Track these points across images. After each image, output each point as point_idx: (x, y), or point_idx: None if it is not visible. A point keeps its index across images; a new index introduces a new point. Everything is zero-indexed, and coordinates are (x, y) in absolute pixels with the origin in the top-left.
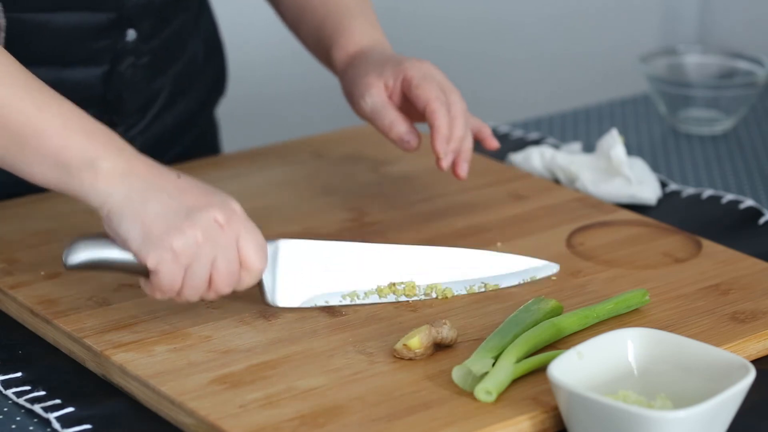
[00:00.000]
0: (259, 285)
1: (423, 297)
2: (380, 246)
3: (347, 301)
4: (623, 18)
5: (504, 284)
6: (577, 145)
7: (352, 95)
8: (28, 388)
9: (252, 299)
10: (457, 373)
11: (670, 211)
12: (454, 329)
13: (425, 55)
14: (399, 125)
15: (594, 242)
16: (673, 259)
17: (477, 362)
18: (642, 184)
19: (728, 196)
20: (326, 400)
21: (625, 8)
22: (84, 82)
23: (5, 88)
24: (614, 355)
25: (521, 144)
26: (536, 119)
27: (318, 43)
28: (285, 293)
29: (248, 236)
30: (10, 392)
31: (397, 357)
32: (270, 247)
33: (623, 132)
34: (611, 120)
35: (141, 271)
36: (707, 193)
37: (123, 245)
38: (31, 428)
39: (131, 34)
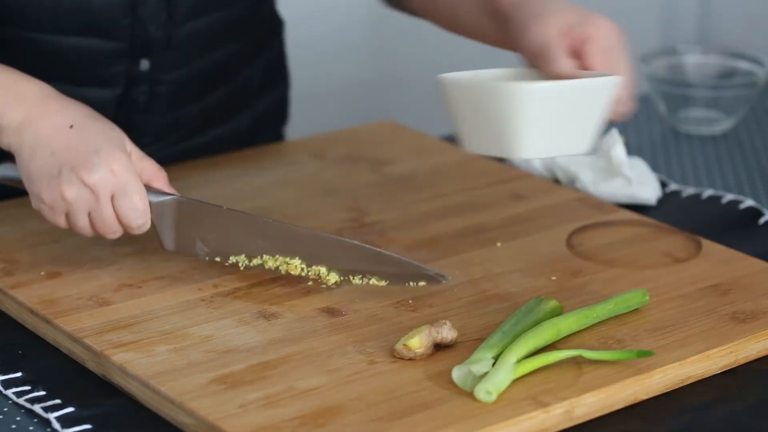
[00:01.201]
0: (155, 230)
1: (303, 273)
2: (267, 220)
3: (232, 261)
4: (623, 18)
5: (390, 283)
6: None
7: (520, 34)
8: (28, 388)
9: (252, 299)
10: (457, 373)
11: (670, 211)
12: (454, 329)
13: (425, 55)
14: (564, 63)
15: (594, 242)
16: (673, 259)
17: (477, 362)
18: (642, 184)
19: (728, 196)
20: (326, 400)
21: (625, 8)
22: (98, 101)
23: None
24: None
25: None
26: None
27: (480, 6)
28: (178, 243)
29: (123, 198)
30: (10, 392)
31: (397, 357)
32: (162, 200)
33: (623, 132)
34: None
35: None
36: (707, 193)
37: None
38: (31, 428)
39: (144, 64)
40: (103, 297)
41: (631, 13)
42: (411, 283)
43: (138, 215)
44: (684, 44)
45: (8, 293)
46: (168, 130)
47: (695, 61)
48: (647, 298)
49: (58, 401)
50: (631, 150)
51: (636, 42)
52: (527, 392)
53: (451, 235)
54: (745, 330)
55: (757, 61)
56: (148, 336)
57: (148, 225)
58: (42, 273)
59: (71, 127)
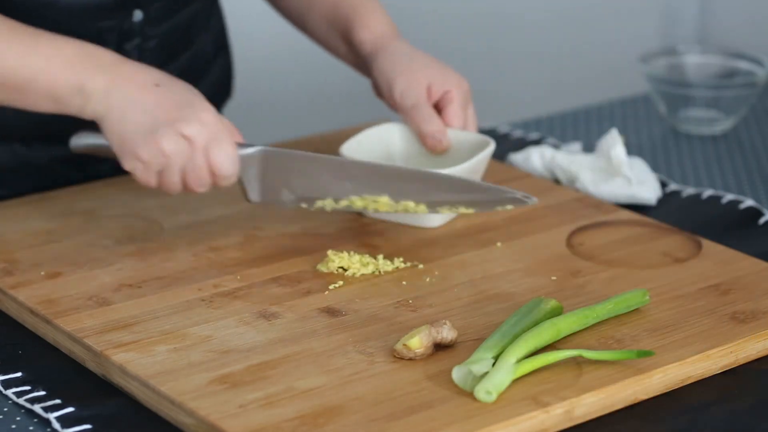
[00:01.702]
0: (240, 183)
1: (392, 210)
2: (359, 161)
3: (319, 206)
4: (623, 18)
5: (479, 209)
6: (577, 145)
7: (391, 88)
8: (28, 388)
9: (252, 299)
10: (457, 373)
11: (670, 211)
12: (454, 329)
13: (425, 50)
14: (436, 123)
15: (594, 242)
16: (673, 259)
17: (477, 362)
18: (642, 184)
19: (728, 196)
20: (326, 400)
21: (625, 8)
22: None
23: None
24: (383, 144)
25: (521, 144)
26: (536, 119)
27: (332, 25)
28: (264, 193)
29: (216, 146)
30: (10, 392)
31: (397, 357)
32: (250, 152)
33: (623, 132)
34: (611, 120)
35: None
36: (707, 193)
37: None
38: (31, 428)
39: (138, 15)
40: (103, 297)
41: (631, 13)
42: (498, 208)
43: (231, 162)
44: (684, 44)
45: (8, 293)
46: None
47: (695, 61)
48: (647, 298)
49: (58, 401)
50: (631, 150)
51: (636, 42)
52: (527, 392)
53: (451, 235)
54: (745, 330)
55: (757, 61)
56: (148, 336)
57: (236, 175)
58: (42, 273)
59: (157, 85)
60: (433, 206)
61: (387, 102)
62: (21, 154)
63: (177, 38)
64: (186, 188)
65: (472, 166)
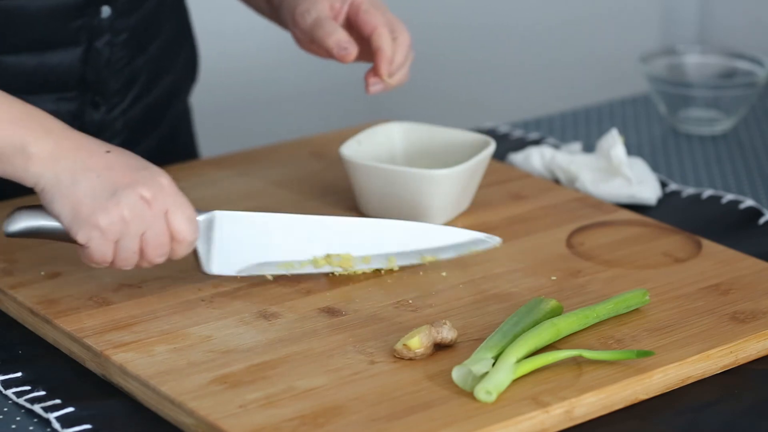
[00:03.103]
0: (194, 254)
1: (359, 268)
2: (316, 218)
3: (283, 271)
4: (623, 18)
5: (442, 256)
6: (577, 145)
7: (294, 15)
8: (28, 388)
9: (252, 299)
10: (457, 373)
11: (670, 211)
12: (454, 329)
13: (426, 53)
14: (339, 33)
15: (594, 242)
16: (673, 259)
17: (477, 362)
18: (642, 184)
19: (728, 196)
20: (326, 400)
21: (625, 9)
22: (64, 64)
23: None
24: (384, 144)
25: (521, 144)
26: (536, 119)
27: None
28: (220, 262)
29: (177, 209)
30: (10, 392)
31: (397, 357)
32: (205, 217)
33: (623, 132)
34: (611, 120)
35: (76, 240)
36: (707, 193)
37: (57, 220)
38: (31, 428)
39: (106, 11)
40: (103, 297)
41: (631, 13)
42: (465, 252)
43: (192, 227)
44: (684, 44)
45: (8, 293)
46: (128, 86)
47: (695, 61)
48: (647, 298)
49: (58, 401)
50: (631, 150)
51: (636, 42)
52: (527, 392)
53: None
54: (745, 330)
55: (757, 61)
56: (148, 336)
57: (195, 242)
58: (42, 273)
59: (108, 151)
60: (403, 258)
61: (297, 37)
62: None
63: (146, 29)
64: (143, 258)
65: (472, 166)
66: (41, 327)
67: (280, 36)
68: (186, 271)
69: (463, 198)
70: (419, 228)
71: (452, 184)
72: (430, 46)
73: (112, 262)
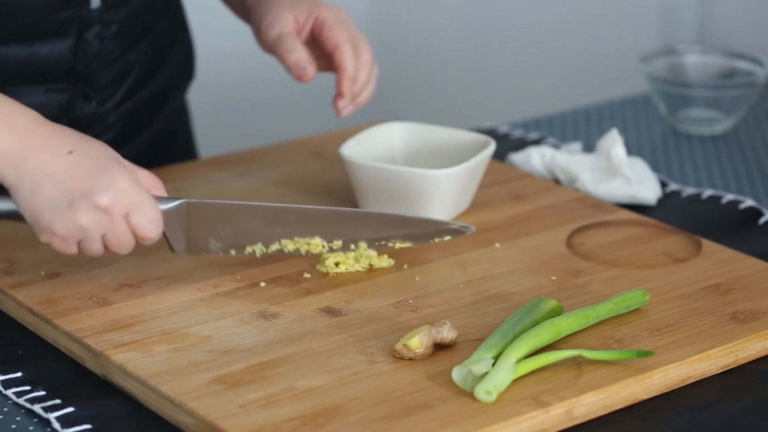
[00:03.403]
0: (165, 236)
1: (326, 250)
2: (288, 205)
3: (249, 251)
4: (623, 18)
5: (414, 243)
6: (577, 145)
7: (259, 26)
8: (28, 388)
9: (252, 299)
10: (457, 373)
11: (670, 211)
12: (454, 329)
13: (425, 56)
14: (299, 52)
15: (594, 242)
16: (673, 259)
17: (477, 362)
18: (642, 184)
19: (728, 196)
20: (326, 400)
21: (625, 9)
22: (54, 55)
23: None
24: (384, 144)
25: (521, 144)
26: (536, 119)
27: None
28: (190, 245)
29: (137, 212)
30: (10, 392)
31: (397, 357)
32: (175, 205)
33: (623, 132)
34: (611, 120)
35: None
36: (707, 193)
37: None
38: (31, 428)
39: (95, 2)
40: (103, 297)
41: (631, 13)
42: (436, 239)
43: (154, 226)
44: (684, 44)
45: (8, 293)
46: (120, 79)
47: (695, 61)
48: (647, 298)
49: (58, 401)
50: (631, 150)
51: (636, 42)
52: (527, 392)
53: None
54: (745, 330)
55: (757, 61)
56: (148, 336)
57: (160, 234)
58: (42, 273)
59: (70, 152)
60: (370, 242)
61: (263, 47)
62: None
63: (136, 23)
64: (108, 251)
65: (473, 166)
66: (41, 327)
67: (230, 34)
68: (186, 271)
69: (463, 198)
70: (392, 216)
71: (452, 184)
72: (430, 46)
73: (81, 252)
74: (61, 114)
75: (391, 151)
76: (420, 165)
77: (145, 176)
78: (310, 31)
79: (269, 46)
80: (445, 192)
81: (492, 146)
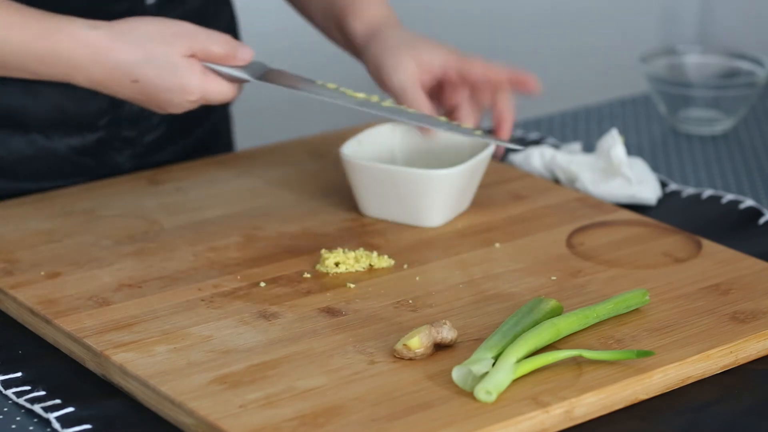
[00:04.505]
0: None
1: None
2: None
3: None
4: (623, 18)
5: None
6: (577, 145)
7: (380, 68)
8: (28, 388)
9: (252, 299)
10: (457, 373)
11: (670, 211)
12: (454, 329)
13: None
14: (423, 107)
15: (594, 242)
16: (673, 259)
17: (477, 362)
18: (642, 184)
19: (728, 196)
20: (326, 400)
21: (625, 8)
22: None
23: None
24: (385, 144)
25: (521, 144)
26: (536, 119)
27: (328, 16)
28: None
29: (210, 98)
30: (10, 392)
31: (397, 357)
32: (246, 77)
33: (623, 132)
34: (611, 120)
35: None
36: (707, 193)
37: None
38: (31, 428)
39: None
40: (103, 297)
41: (631, 13)
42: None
43: (229, 98)
44: (684, 44)
45: (8, 293)
46: None
47: (695, 61)
48: (647, 298)
49: (58, 401)
50: (631, 150)
51: (636, 42)
52: (527, 392)
53: (451, 236)
54: (745, 330)
55: (757, 61)
56: (148, 336)
57: (238, 92)
58: (42, 273)
59: (135, 81)
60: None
61: (385, 91)
62: (39, 144)
63: (194, 22)
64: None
65: (472, 167)
66: (41, 327)
67: (280, 36)
68: (186, 271)
69: (463, 198)
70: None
71: (452, 184)
72: None
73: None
74: (107, 109)
75: (392, 151)
76: (420, 165)
77: (219, 45)
78: (440, 76)
79: (391, 93)
80: (444, 192)
81: (492, 147)
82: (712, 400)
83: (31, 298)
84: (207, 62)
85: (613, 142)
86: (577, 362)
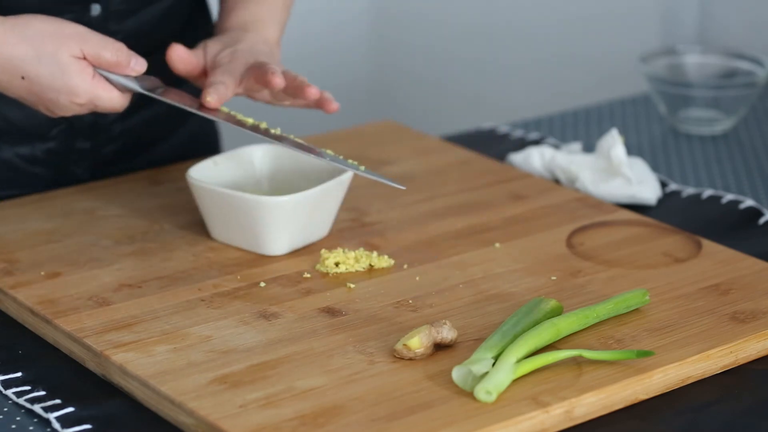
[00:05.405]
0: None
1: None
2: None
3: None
4: (623, 18)
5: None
6: (577, 145)
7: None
8: (28, 388)
9: (252, 299)
10: (457, 373)
11: (670, 211)
12: (454, 329)
13: (425, 56)
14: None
15: (594, 242)
16: (673, 259)
17: (477, 362)
18: (642, 184)
19: (728, 196)
20: (326, 400)
21: (625, 9)
22: None
23: None
24: (244, 165)
25: (521, 144)
26: (536, 119)
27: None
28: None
29: (99, 105)
30: (10, 392)
31: (397, 357)
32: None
33: (623, 132)
34: (611, 120)
35: None
36: (707, 193)
37: None
38: (31, 428)
39: (96, 9)
40: (103, 297)
41: (631, 13)
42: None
43: (118, 107)
44: (684, 44)
45: (8, 293)
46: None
47: (695, 61)
48: (647, 298)
49: (58, 401)
50: (631, 150)
51: (636, 42)
52: (527, 392)
53: (451, 236)
54: (745, 330)
55: (757, 61)
56: (148, 336)
57: (127, 102)
58: (42, 273)
59: (23, 78)
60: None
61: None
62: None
63: (144, 37)
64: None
65: (317, 194)
66: (41, 327)
67: (282, 37)
68: (186, 271)
69: (314, 226)
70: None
71: (293, 210)
72: (430, 46)
73: None
74: (58, 120)
75: (255, 174)
76: (283, 191)
77: (111, 52)
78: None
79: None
80: (285, 219)
81: (347, 175)
82: (712, 400)
83: (31, 298)
84: (99, 68)
85: (613, 142)
86: (577, 362)
